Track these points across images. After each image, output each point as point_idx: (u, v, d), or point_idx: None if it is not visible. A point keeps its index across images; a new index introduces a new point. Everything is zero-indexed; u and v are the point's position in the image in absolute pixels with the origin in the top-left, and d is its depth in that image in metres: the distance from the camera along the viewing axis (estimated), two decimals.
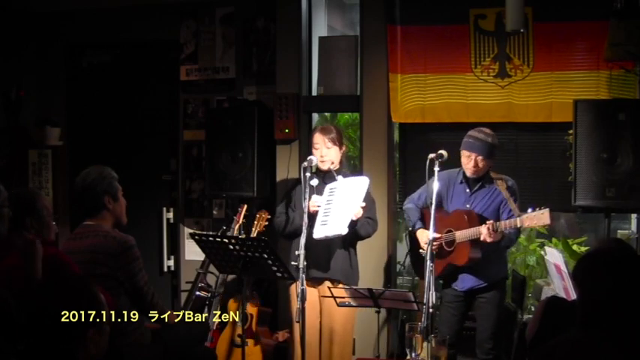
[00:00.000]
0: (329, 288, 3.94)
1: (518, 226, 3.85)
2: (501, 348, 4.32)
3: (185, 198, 5.78)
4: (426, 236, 4.15)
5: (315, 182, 4.06)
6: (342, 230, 3.98)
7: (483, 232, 3.89)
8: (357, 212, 4.04)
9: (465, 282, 4.17)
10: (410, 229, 4.33)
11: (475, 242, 4.00)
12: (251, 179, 5.04)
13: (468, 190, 4.19)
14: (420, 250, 4.12)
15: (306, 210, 3.92)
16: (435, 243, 4.05)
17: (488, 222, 3.91)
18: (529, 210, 3.80)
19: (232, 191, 5.13)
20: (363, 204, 4.06)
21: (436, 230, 3.89)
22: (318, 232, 3.99)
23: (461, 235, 4.03)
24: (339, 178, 4.18)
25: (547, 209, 3.74)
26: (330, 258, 4.16)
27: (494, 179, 4.13)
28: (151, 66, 5.94)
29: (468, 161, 4.10)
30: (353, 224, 4.06)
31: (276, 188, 5.15)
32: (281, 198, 4.46)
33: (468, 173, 4.14)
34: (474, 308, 4.27)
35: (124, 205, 3.71)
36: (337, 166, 4.24)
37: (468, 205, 4.14)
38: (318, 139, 4.20)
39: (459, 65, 4.83)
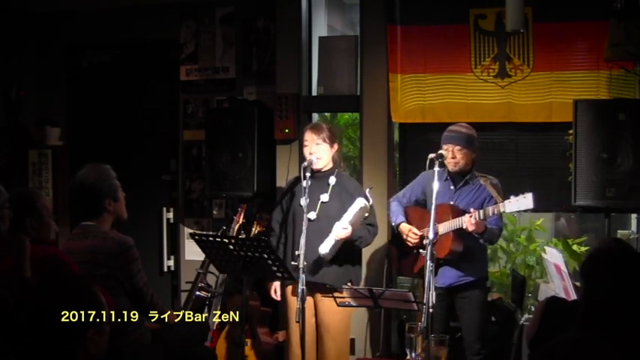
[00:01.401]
0: (329, 288, 3.94)
1: (502, 210, 3.88)
2: (492, 347, 4.33)
3: (185, 198, 5.78)
4: (407, 229, 4.24)
5: (306, 183, 4.02)
6: (323, 250, 4.02)
7: (465, 220, 3.92)
8: (338, 234, 4.01)
9: (445, 278, 4.18)
10: (392, 224, 4.34)
11: (457, 235, 4.03)
12: (251, 179, 5.04)
13: (452, 187, 4.22)
14: (421, 251, 4.12)
15: (305, 210, 3.92)
16: (417, 238, 4.15)
17: (471, 210, 3.94)
18: (511, 197, 3.82)
19: (232, 191, 5.13)
20: (349, 227, 4.01)
21: (420, 227, 3.92)
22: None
23: (443, 227, 4.05)
24: (332, 179, 4.17)
25: (530, 193, 3.76)
26: (321, 262, 4.12)
27: (478, 177, 4.15)
28: (151, 66, 5.94)
29: (447, 154, 4.12)
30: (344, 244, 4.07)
31: (276, 188, 5.15)
32: (276, 202, 4.43)
33: (450, 167, 4.17)
34: (457, 310, 4.28)
35: (123, 202, 3.70)
36: (330, 165, 4.23)
37: (452, 202, 4.16)
38: (308, 136, 4.19)
39: (459, 65, 4.83)
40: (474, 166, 4.24)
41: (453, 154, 4.12)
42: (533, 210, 3.90)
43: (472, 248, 4.12)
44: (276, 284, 4.31)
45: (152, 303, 3.60)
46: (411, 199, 4.37)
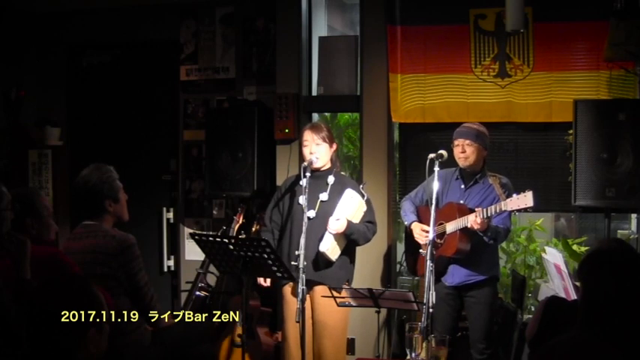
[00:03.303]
0: (329, 288, 3.94)
1: (503, 209, 3.87)
2: (496, 347, 4.33)
3: (185, 198, 5.78)
4: (419, 228, 4.24)
5: (303, 182, 4.03)
6: (323, 248, 4.05)
7: (471, 218, 3.93)
8: (332, 226, 4.03)
9: (455, 276, 4.19)
10: (405, 223, 4.37)
11: (464, 234, 4.03)
12: (251, 179, 5.04)
13: (462, 186, 4.23)
14: (421, 250, 4.13)
15: (305, 210, 3.92)
16: (426, 235, 4.10)
17: (477, 209, 3.95)
18: (513, 195, 3.83)
19: (232, 191, 5.13)
20: (342, 219, 4.04)
21: (429, 224, 3.92)
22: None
23: (450, 226, 4.07)
24: (331, 178, 4.18)
25: (530, 192, 3.77)
26: (321, 260, 4.13)
27: (488, 176, 4.16)
28: (151, 66, 5.94)
29: (458, 150, 4.15)
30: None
31: (276, 188, 5.15)
32: (272, 201, 4.43)
33: (460, 163, 4.18)
34: (465, 308, 4.28)
35: (124, 204, 3.72)
36: (328, 165, 4.23)
37: (462, 201, 4.17)
38: (307, 136, 4.20)
39: (459, 65, 4.83)
40: (485, 165, 4.24)
41: (462, 149, 4.15)
42: (533, 210, 3.90)
43: (481, 247, 4.11)
44: None
45: (151, 305, 3.60)
46: (423, 198, 4.38)
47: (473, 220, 3.93)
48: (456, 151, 4.17)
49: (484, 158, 4.23)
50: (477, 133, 4.17)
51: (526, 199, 3.77)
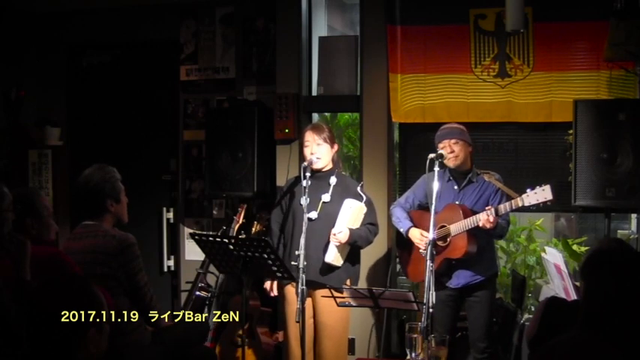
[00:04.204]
0: (329, 288, 3.94)
1: (520, 204, 3.83)
2: (496, 347, 4.33)
3: (185, 198, 5.78)
4: (418, 233, 4.19)
5: (306, 183, 4.02)
6: (329, 259, 4.05)
7: (482, 217, 3.89)
8: (336, 238, 4.04)
9: (460, 278, 4.18)
10: (401, 230, 4.31)
11: (471, 235, 4.01)
12: (251, 179, 5.04)
13: (456, 187, 4.21)
14: (421, 251, 4.12)
15: (305, 210, 3.92)
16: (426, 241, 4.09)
17: (487, 207, 3.92)
18: (528, 190, 3.80)
19: (232, 191, 5.13)
20: (344, 230, 4.04)
21: (428, 229, 3.91)
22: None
23: (456, 227, 4.03)
24: (333, 179, 4.18)
25: (548, 185, 3.74)
26: (325, 264, 4.13)
27: (480, 173, 4.15)
28: (151, 66, 5.94)
29: (446, 152, 4.11)
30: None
31: (276, 188, 5.15)
32: (276, 202, 4.43)
33: (451, 163, 4.15)
34: (466, 308, 4.28)
35: (125, 205, 3.72)
36: (330, 166, 4.23)
37: (457, 202, 4.15)
38: (309, 136, 4.19)
39: (459, 65, 4.83)
40: (473, 163, 4.24)
41: (450, 149, 4.12)
42: (533, 210, 3.89)
43: (482, 247, 4.11)
44: (273, 282, 4.30)
45: (151, 305, 3.60)
46: (415, 203, 4.35)
47: (485, 219, 3.88)
48: (445, 153, 4.13)
49: (471, 154, 4.22)
50: (459, 130, 4.17)
51: (545, 192, 3.75)
